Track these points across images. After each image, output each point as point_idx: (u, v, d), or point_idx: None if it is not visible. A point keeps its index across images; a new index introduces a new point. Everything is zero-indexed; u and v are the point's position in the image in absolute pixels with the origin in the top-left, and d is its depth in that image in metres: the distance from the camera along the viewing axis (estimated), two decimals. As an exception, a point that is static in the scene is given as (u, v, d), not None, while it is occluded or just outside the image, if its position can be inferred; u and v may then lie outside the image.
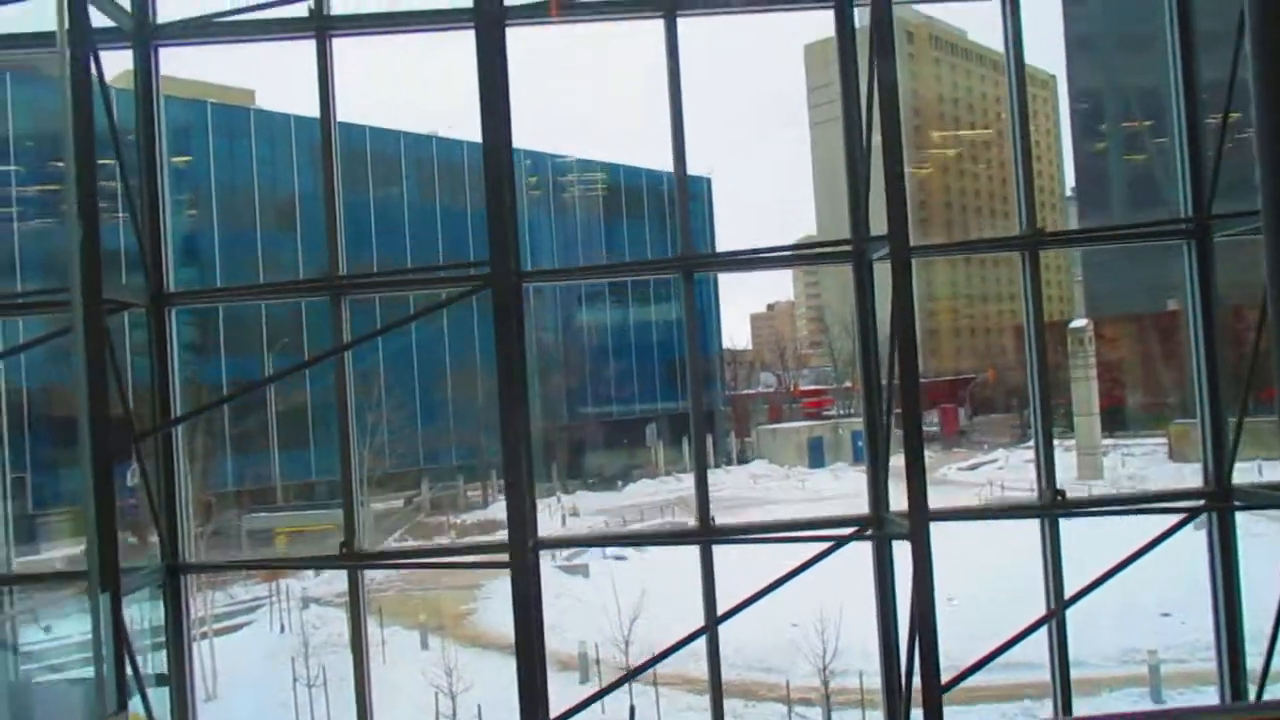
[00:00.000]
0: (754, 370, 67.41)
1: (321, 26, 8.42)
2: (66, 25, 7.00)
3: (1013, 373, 48.44)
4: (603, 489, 40.68)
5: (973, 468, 39.37)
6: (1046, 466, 8.52)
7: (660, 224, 46.00)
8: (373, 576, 26.97)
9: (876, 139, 7.60)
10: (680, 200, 8.57)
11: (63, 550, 29.25)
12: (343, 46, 8.64)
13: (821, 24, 8.67)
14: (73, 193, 6.86)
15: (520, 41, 8.48)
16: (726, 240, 55.11)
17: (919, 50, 69.68)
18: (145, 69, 8.48)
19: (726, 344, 57.88)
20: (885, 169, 7.05)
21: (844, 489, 33.94)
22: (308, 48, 8.55)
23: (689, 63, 8.55)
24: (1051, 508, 8.39)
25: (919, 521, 6.88)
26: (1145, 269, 51.73)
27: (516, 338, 7.89)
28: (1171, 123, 8.92)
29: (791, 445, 43.53)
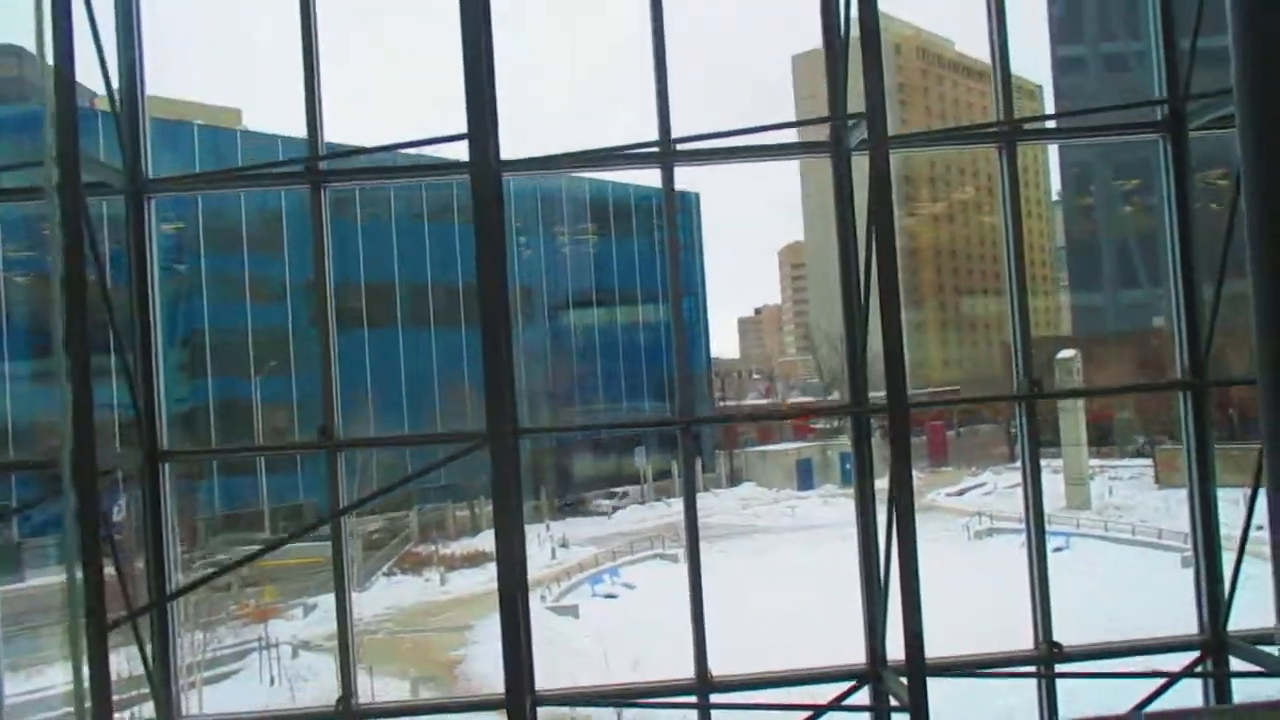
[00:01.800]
0: (742, 381, 67.47)
1: (316, 182, 8.52)
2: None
3: (1000, 386, 48.61)
4: (591, 513, 40.63)
5: (960, 493, 39.48)
6: (1043, 613, 8.47)
7: (651, 242, 46.17)
8: (361, 617, 26.90)
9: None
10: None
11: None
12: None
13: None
14: (60, 352, 6.85)
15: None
16: (717, 260, 55.09)
17: None
18: (138, 219, 8.46)
19: (715, 353, 57.93)
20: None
21: (833, 516, 34.06)
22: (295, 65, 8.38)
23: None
24: (1049, 659, 8.37)
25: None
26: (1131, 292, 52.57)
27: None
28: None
29: (780, 467, 43.55)
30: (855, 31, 7.67)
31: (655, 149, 8.46)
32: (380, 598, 29.42)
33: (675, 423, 8.40)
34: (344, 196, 40.74)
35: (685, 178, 46.18)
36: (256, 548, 33.82)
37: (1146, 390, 8.50)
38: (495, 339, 7.91)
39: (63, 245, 7.00)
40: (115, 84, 8.31)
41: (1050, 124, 25.56)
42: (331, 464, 8.34)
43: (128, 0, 8.45)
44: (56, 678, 22.93)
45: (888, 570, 8.06)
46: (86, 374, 6.98)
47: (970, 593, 21.70)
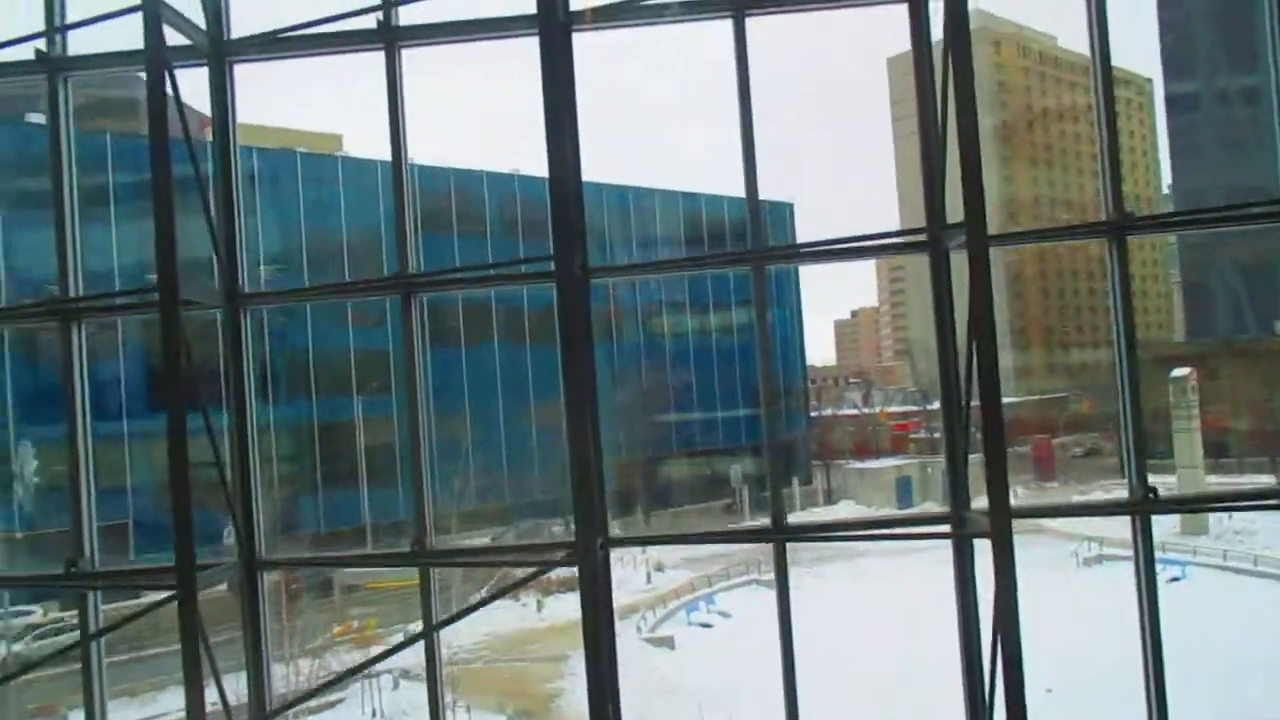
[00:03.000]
0: (839, 387, 66.47)
1: (391, 38, 8.71)
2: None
3: (1108, 403, 46.90)
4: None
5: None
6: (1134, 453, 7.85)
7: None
8: (460, 645, 27.20)
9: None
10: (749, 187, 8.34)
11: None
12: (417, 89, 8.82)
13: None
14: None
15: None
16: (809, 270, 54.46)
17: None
18: (220, 85, 8.84)
19: (810, 359, 57.24)
20: (961, 153, 6.77)
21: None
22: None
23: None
24: (1143, 505, 7.80)
25: (1001, 519, 6.63)
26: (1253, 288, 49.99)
27: (585, 339, 7.99)
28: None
29: (878, 485, 42.73)
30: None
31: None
32: (477, 623, 29.68)
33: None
34: (438, 208, 41.47)
35: (778, 190, 45.82)
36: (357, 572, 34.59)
37: (1247, 218, 7.57)
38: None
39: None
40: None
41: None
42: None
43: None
44: (170, 703, 23.77)
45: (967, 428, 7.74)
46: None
47: (1073, 631, 21.07)
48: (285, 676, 24.20)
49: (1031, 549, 27.90)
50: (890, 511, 41.61)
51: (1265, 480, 38.24)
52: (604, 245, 43.38)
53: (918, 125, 8.16)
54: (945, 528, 8.11)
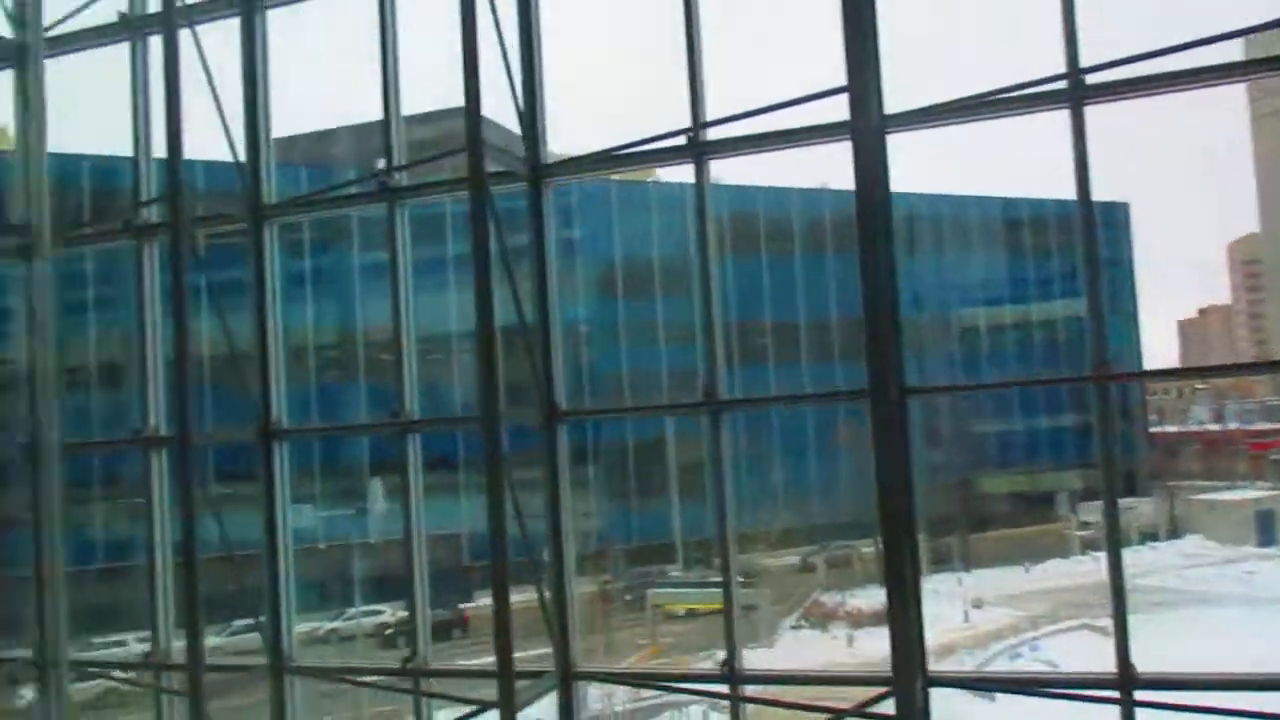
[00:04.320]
0: (1184, 398, 60.15)
1: (699, 152, 9.18)
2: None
3: None
4: (1005, 564, 38.05)
5: None
6: None
7: (1072, 259, 42.34)
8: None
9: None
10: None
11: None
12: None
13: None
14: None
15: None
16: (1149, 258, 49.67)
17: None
18: (537, 204, 9.62)
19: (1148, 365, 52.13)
20: None
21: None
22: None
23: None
24: None
25: None
26: None
27: (904, 462, 7.98)
28: None
29: (1234, 519, 38.20)
30: None
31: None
32: (784, 654, 29.44)
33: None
34: (748, 229, 41.50)
35: (1111, 191, 42.01)
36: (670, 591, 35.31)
37: None
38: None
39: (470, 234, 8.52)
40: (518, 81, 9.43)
41: None
42: (714, 429, 8.83)
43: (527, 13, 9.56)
44: None
45: None
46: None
47: None
48: (600, 697, 24.97)
49: None
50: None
51: None
52: (911, 251, 41.63)
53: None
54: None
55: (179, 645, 10.38)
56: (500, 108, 9.43)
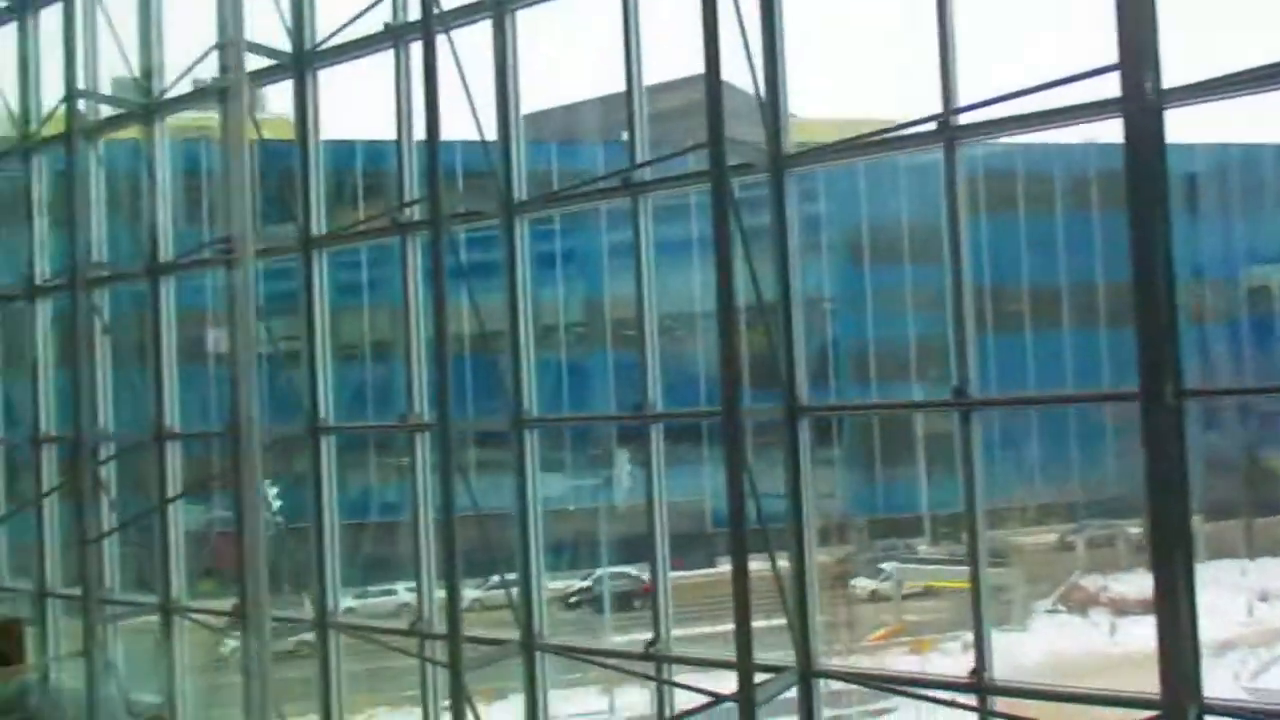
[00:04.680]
0: None
1: (950, 137, 8.71)
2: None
3: None
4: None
5: None
6: None
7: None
8: (1019, 665, 25.72)
9: None
10: None
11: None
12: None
13: None
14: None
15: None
16: None
17: None
18: (778, 194, 9.51)
19: None
20: None
21: None
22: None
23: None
24: None
25: None
26: None
27: (1181, 476, 7.45)
28: None
29: None
30: None
31: None
32: (1040, 640, 27.87)
33: None
34: (1005, 189, 39.29)
35: None
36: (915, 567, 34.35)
37: None
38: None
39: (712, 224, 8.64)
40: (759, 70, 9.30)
41: None
42: (965, 428, 8.62)
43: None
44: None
45: None
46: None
47: None
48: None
49: None
50: None
51: None
52: (1192, 210, 38.08)
53: None
54: None
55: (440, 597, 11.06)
56: (741, 72, 9.37)
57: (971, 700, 8.61)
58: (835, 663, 9.64)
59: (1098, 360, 39.47)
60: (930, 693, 9.11)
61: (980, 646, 8.59)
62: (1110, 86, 7.56)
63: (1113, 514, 36.21)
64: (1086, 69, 7.66)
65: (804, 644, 9.23)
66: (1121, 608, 29.36)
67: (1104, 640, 27.82)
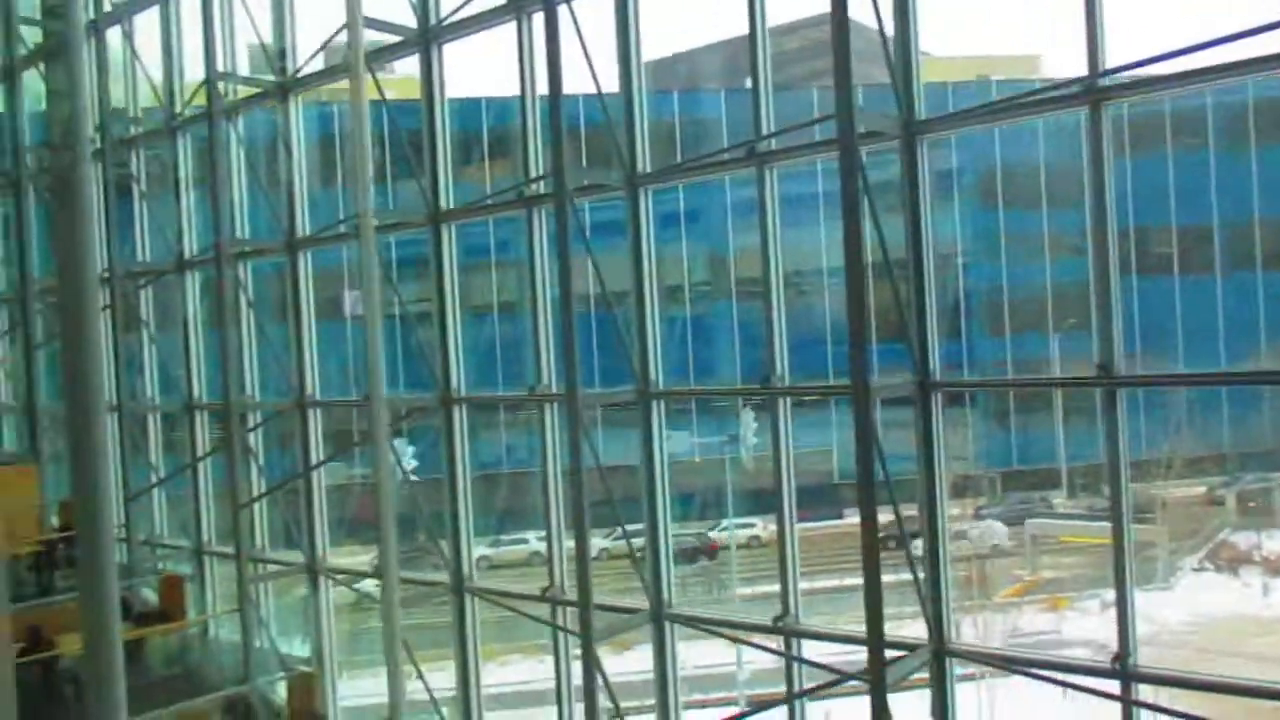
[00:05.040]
0: None
1: (1097, 98, 8.47)
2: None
3: None
4: None
5: None
6: None
7: None
8: (1163, 625, 24.63)
9: None
10: None
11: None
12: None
13: None
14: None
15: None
16: None
17: None
18: (910, 159, 9.35)
19: None
20: None
21: None
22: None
23: None
24: None
25: None
26: None
27: None
28: None
29: None
30: None
31: None
32: (1187, 599, 26.78)
33: None
34: (1151, 125, 37.03)
35: None
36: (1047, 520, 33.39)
37: None
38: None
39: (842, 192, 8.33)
40: (890, 34, 9.14)
41: None
42: (1109, 405, 8.33)
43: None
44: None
45: None
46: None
47: None
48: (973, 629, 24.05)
49: None
50: None
51: None
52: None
53: None
54: None
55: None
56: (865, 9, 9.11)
57: (1114, 687, 8.32)
58: (966, 621, 9.45)
59: (1254, 308, 37.35)
60: (1071, 678, 8.81)
61: (1124, 631, 8.29)
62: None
63: (1269, 466, 34.24)
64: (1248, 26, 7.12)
65: (937, 623, 9.10)
66: (1276, 567, 27.82)
67: (1257, 601, 26.44)
